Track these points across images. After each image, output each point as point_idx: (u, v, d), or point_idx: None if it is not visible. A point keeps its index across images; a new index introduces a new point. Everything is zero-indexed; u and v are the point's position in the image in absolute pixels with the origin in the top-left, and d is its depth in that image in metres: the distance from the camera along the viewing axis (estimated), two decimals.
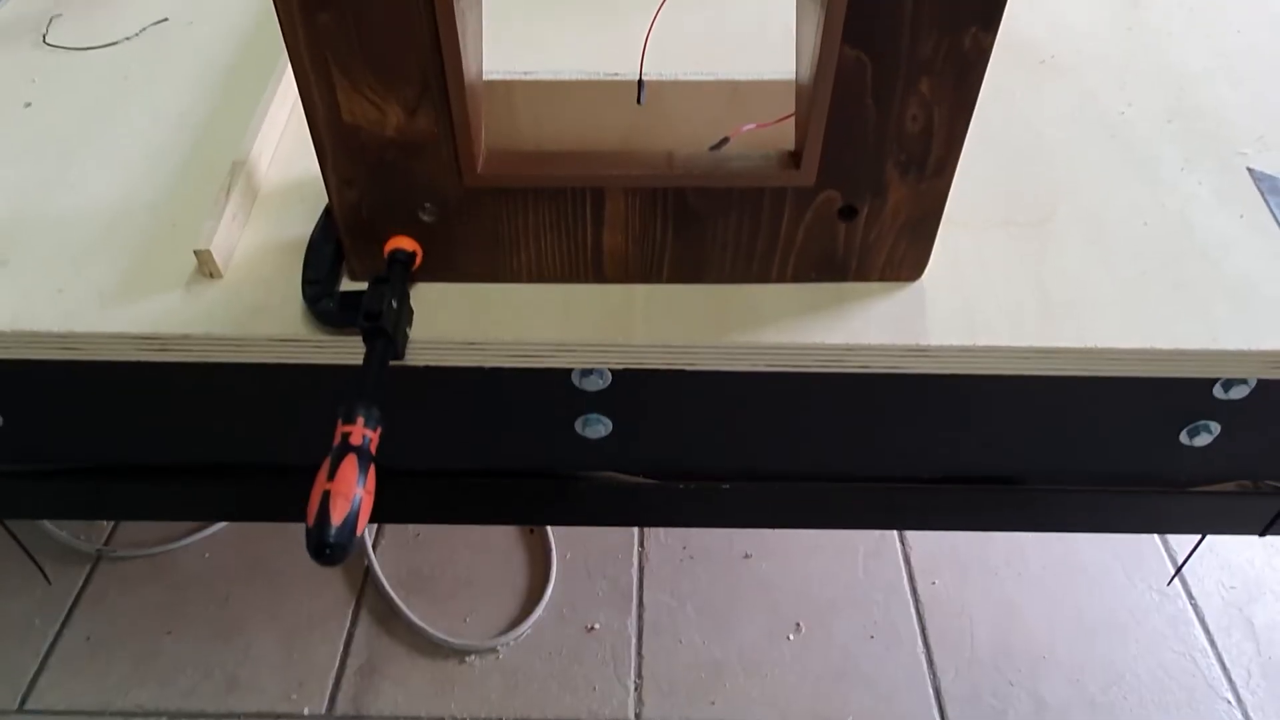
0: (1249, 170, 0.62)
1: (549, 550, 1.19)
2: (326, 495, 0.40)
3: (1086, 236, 0.57)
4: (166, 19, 0.73)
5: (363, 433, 0.43)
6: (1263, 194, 0.60)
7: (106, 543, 1.20)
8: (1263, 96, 0.68)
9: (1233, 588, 1.19)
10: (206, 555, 1.19)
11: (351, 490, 0.40)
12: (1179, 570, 1.19)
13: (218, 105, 0.65)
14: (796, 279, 0.53)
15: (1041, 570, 1.19)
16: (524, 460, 0.63)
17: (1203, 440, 0.59)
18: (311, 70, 0.43)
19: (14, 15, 0.73)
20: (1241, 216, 0.58)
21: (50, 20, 0.73)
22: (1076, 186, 0.60)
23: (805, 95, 0.46)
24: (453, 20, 0.41)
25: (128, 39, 0.71)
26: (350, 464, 0.41)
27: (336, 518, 0.39)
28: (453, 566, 1.19)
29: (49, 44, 0.70)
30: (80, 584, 1.16)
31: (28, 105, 0.65)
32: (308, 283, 0.50)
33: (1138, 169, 0.62)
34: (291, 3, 0.41)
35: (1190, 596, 1.18)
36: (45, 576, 1.13)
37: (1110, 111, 0.67)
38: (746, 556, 1.20)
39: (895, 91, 0.44)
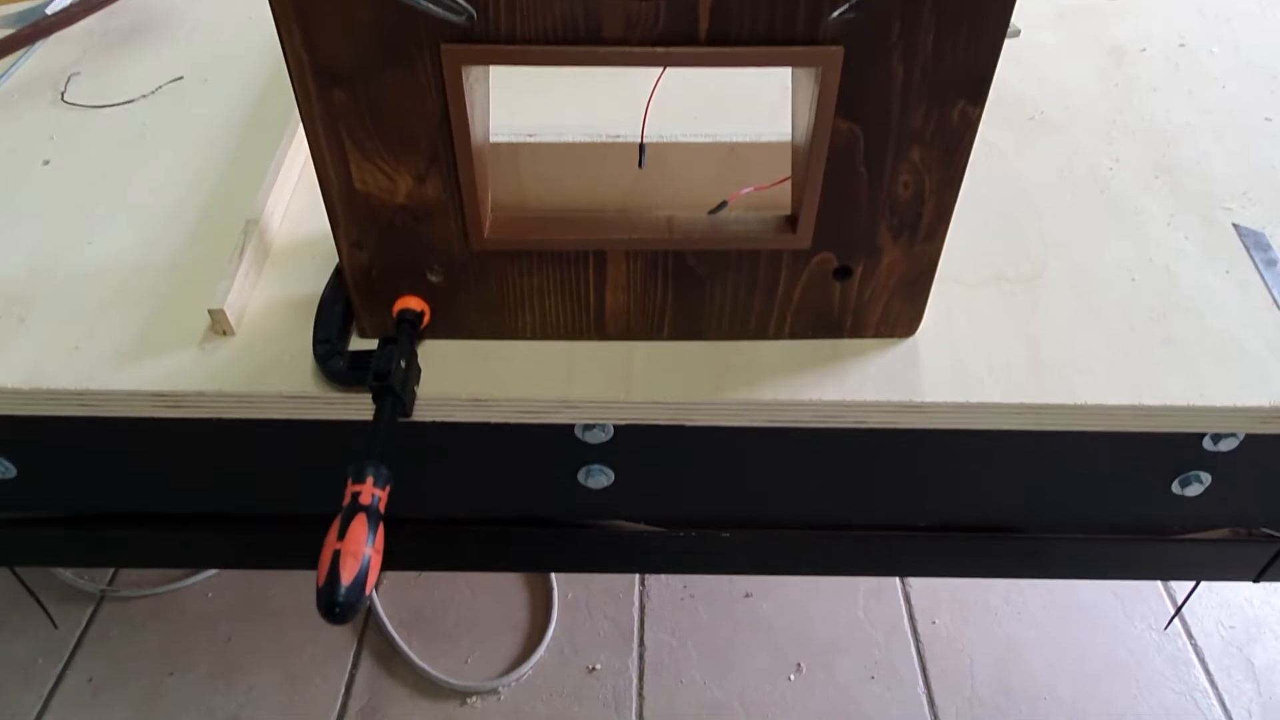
0: (1234, 226, 0.64)
1: (550, 590, 1.20)
2: (336, 555, 0.41)
3: (1075, 292, 0.58)
4: (181, 77, 0.75)
5: (372, 492, 0.44)
6: (1248, 249, 0.62)
7: (110, 583, 1.21)
8: (1245, 152, 0.70)
9: (1232, 627, 1.19)
10: (209, 595, 1.20)
11: (361, 549, 0.41)
12: (1178, 612, 1.20)
13: (232, 162, 0.67)
14: (794, 336, 0.54)
15: (1041, 610, 1.20)
16: (528, 509, 0.64)
17: (1194, 490, 0.60)
18: (325, 142, 0.45)
19: (34, 73, 0.76)
20: (1227, 272, 0.60)
21: (69, 78, 0.75)
22: (1065, 242, 0.62)
23: (801, 161, 0.48)
24: (462, 97, 0.43)
25: (144, 96, 0.73)
26: (360, 523, 0.42)
27: (346, 577, 0.40)
28: (454, 607, 1.19)
29: (67, 101, 0.73)
30: (83, 624, 1.16)
31: (46, 163, 0.67)
32: (319, 341, 0.52)
33: (1125, 224, 0.64)
34: (308, 79, 0.43)
35: (1190, 636, 1.18)
36: (52, 621, 1.14)
37: (1098, 167, 0.69)
38: (747, 596, 1.21)
39: (887, 160, 0.46)
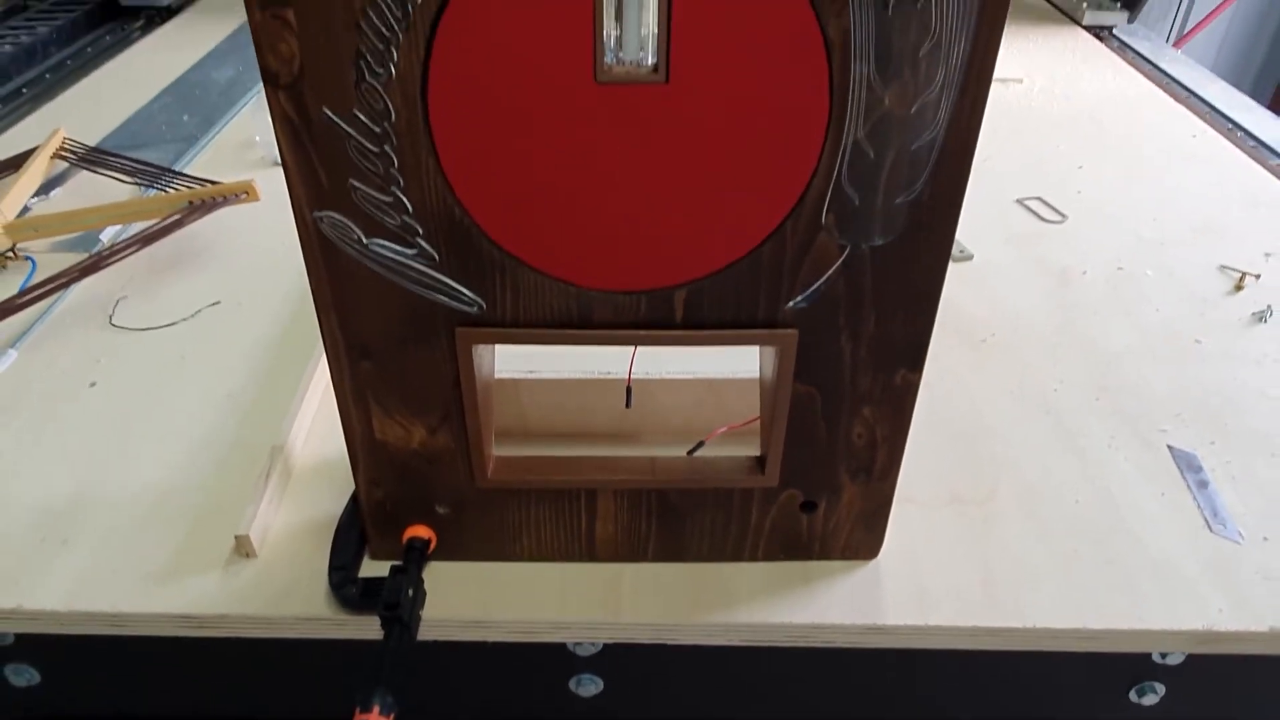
0: (1169, 447, 0.70)
1: None
2: None
3: (1025, 513, 0.64)
4: (219, 301, 0.84)
5: None
6: (1181, 471, 0.68)
7: None
8: (1179, 374, 0.77)
9: None
10: None
11: None
12: None
13: (262, 383, 0.74)
14: (767, 558, 0.60)
15: None
16: (519, 714, 0.68)
17: (1150, 699, 0.64)
18: (353, 402, 0.52)
19: (86, 296, 0.84)
20: (1163, 494, 0.66)
21: (117, 302, 0.83)
22: (1016, 463, 0.68)
23: (768, 414, 0.54)
24: (471, 368, 0.50)
25: (185, 320, 0.82)
26: None
27: None
28: None
29: (114, 325, 0.81)
30: None
31: (93, 385, 0.74)
32: (334, 568, 0.57)
33: (1069, 445, 0.70)
34: (341, 353, 0.50)
35: None
36: None
37: (1044, 389, 0.76)
38: None
39: (842, 415, 0.53)
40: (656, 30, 0.41)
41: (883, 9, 0.40)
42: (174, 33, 1.54)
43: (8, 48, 1.37)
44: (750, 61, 0.41)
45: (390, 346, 0.49)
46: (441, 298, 0.48)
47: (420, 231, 0.45)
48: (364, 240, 0.46)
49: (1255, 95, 1.41)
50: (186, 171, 1.04)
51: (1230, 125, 1.27)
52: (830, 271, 0.47)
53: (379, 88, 0.41)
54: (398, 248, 0.46)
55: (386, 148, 0.43)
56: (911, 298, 0.48)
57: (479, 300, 0.48)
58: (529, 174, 0.44)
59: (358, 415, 0.52)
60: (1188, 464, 0.68)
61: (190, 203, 0.89)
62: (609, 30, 0.41)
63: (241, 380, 0.75)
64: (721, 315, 0.49)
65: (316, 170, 0.43)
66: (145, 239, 0.85)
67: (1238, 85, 1.54)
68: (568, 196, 0.44)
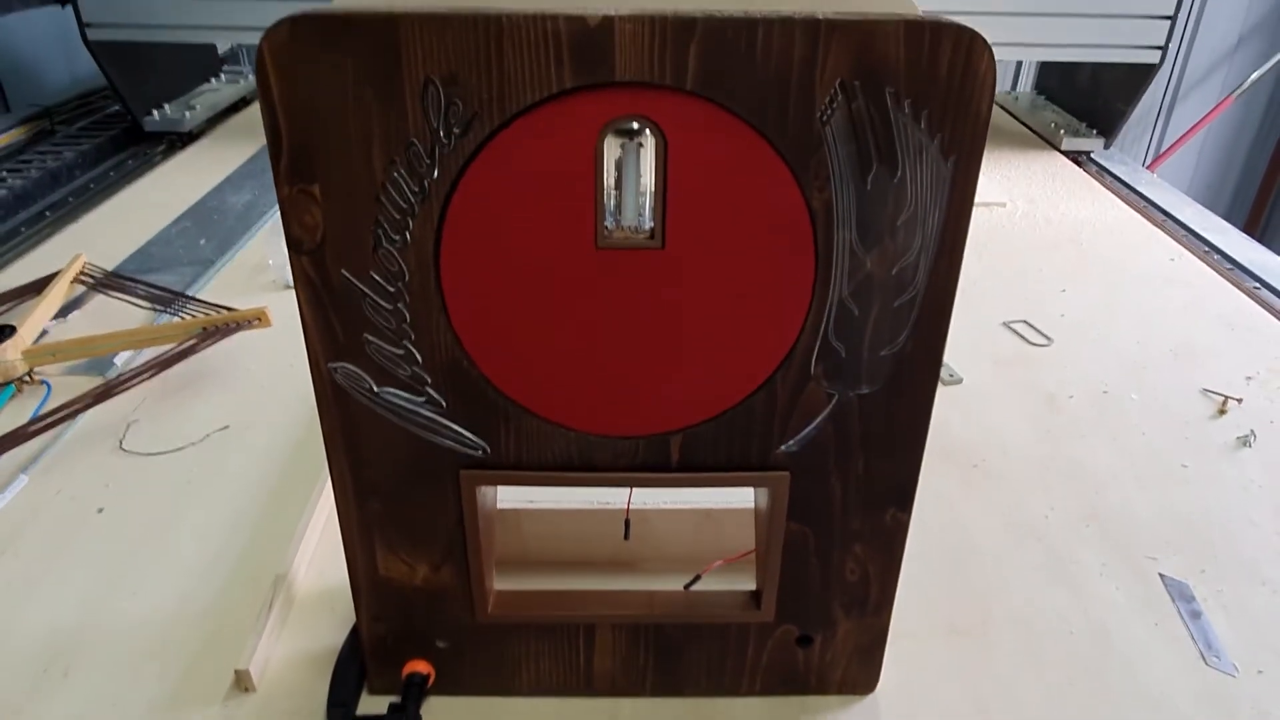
0: (1160, 576, 0.71)
1: None
2: None
3: (1018, 644, 0.65)
4: (228, 426, 0.86)
5: None
6: (1173, 600, 0.69)
7: None
8: (1166, 500, 0.79)
9: None
10: None
11: None
12: None
13: (267, 509, 0.76)
14: (764, 693, 0.60)
15: None
16: None
17: None
18: (358, 539, 0.53)
19: (97, 421, 0.86)
20: (1156, 625, 0.67)
21: (128, 426, 0.85)
22: (1009, 592, 0.69)
23: (762, 550, 0.56)
24: (475, 508, 0.52)
25: (193, 444, 0.84)
26: None
27: None
28: None
29: (124, 449, 0.82)
30: None
31: (100, 511, 0.76)
32: (334, 704, 0.57)
33: (1062, 574, 0.71)
34: (349, 494, 0.52)
35: None
36: None
37: (1035, 516, 0.77)
38: None
39: (834, 553, 0.54)
40: (653, 197, 0.44)
41: (862, 184, 0.43)
42: (195, 157, 1.61)
43: (34, 172, 1.44)
44: (740, 228, 0.44)
45: (398, 487, 0.51)
46: (448, 442, 0.50)
47: (429, 381, 0.48)
48: (375, 389, 0.48)
49: (1231, 215, 1.48)
50: (201, 295, 1.08)
51: (1207, 248, 1.32)
52: (819, 418, 0.49)
53: (395, 252, 0.44)
54: (407, 396, 0.48)
55: (400, 305, 0.46)
56: (897, 442, 0.50)
57: (483, 444, 0.50)
58: (533, 329, 0.46)
59: (363, 552, 0.54)
60: (1180, 593, 0.69)
61: (204, 329, 0.92)
62: (609, 197, 0.44)
63: (247, 505, 0.76)
64: (716, 458, 0.51)
65: (333, 326, 0.46)
66: (158, 365, 0.88)
67: (1212, 206, 1.61)
68: (570, 350, 0.47)
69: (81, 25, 1.51)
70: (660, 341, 0.47)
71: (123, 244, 1.24)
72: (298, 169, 0.42)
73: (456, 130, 0.42)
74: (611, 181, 0.44)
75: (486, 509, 0.55)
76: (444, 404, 0.49)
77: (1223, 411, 0.91)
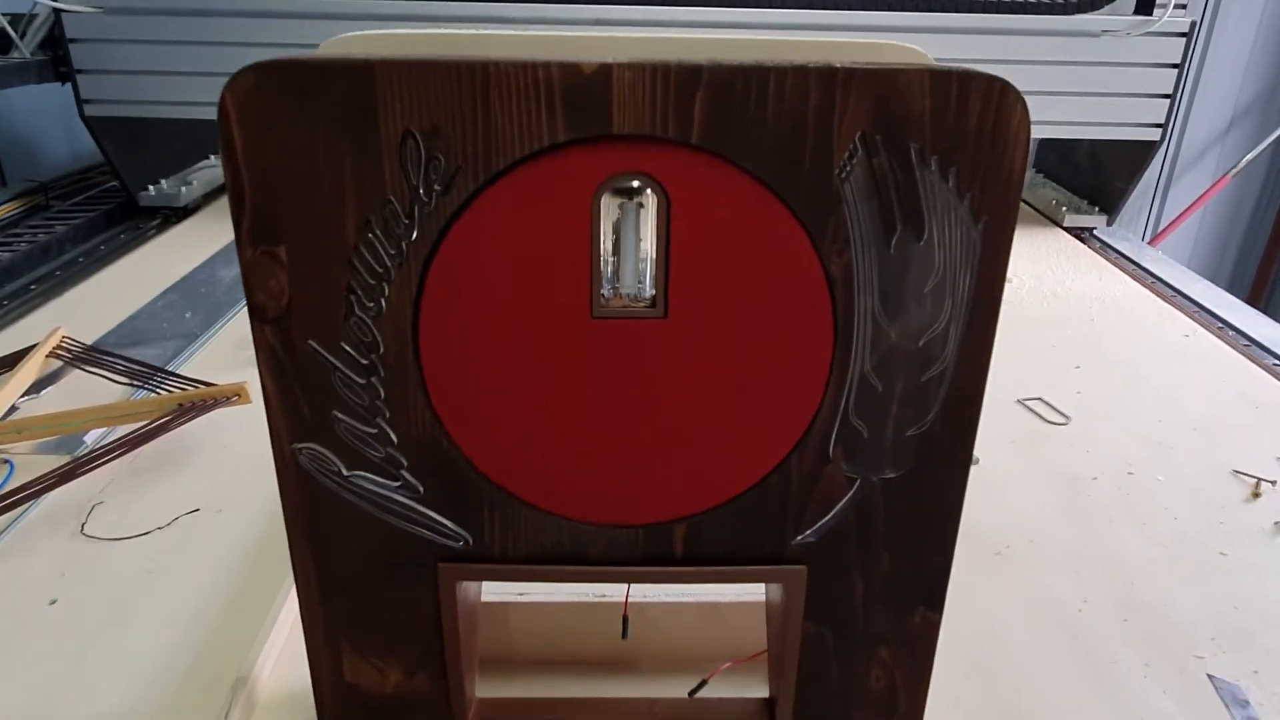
0: (1209, 677, 0.65)
1: None
2: None
3: None
4: (198, 509, 0.80)
5: None
6: (1226, 705, 0.62)
7: None
8: (1207, 591, 0.73)
9: None
10: None
11: None
12: None
13: (233, 601, 0.70)
14: None
15: None
16: None
17: None
18: (323, 640, 0.48)
19: (61, 502, 0.81)
20: None
21: (92, 508, 0.80)
22: (1044, 697, 0.63)
23: (776, 652, 0.50)
24: (454, 606, 0.46)
25: (160, 528, 0.78)
26: None
27: None
28: None
29: (85, 534, 0.77)
30: None
31: (53, 602, 0.70)
32: None
33: (1101, 676, 0.65)
34: (313, 587, 0.46)
35: None
36: None
37: (1067, 608, 0.71)
38: None
39: (856, 657, 0.49)
40: (654, 262, 0.40)
41: (885, 247, 0.39)
42: (188, 232, 1.59)
43: (23, 246, 1.41)
44: (751, 296, 0.40)
45: (367, 582, 0.46)
46: (425, 532, 0.45)
47: (405, 464, 0.43)
48: (345, 472, 0.43)
49: (1232, 292, 1.45)
50: (183, 369, 1.04)
51: (1220, 324, 1.29)
52: (840, 506, 0.45)
53: (369, 322, 0.40)
54: (380, 480, 0.43)
55: (373, 380, 0.41)
56: (927, 532, 0.45)
57: (465, 534, 0.45)
58: (521, 406, 0.42)
59: (328, 656, 0.48)
60: (1233, 697, 0.63)
61: (180, 405, 0.88)
62: (605, 262, 0.40)
63: (211, 598, 0.70)
64: (724, 550, 0.46)
65: (299, 402, 0.42)
66: (129, 443, 0.83)
67: (1214, 280, 1.59)
68: (562, 430, 0.42)
69: (79, 101, 1.50)
70: (662, 420, 0.42)
71: (106, 317, 1.21)
72: (262, 230, 0.38)
73: (438, 187, 0.38)
74: (609, 245, 0.40)
75: (468, 606, 0.49)
76: (421, 490, 0.44)
77: (1256, 494, 0.86)
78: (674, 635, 0.61)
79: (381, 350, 0.41)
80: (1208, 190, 2.40)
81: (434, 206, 0.38)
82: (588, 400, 0.42)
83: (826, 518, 0.45)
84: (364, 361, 0.41)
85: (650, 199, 0.39)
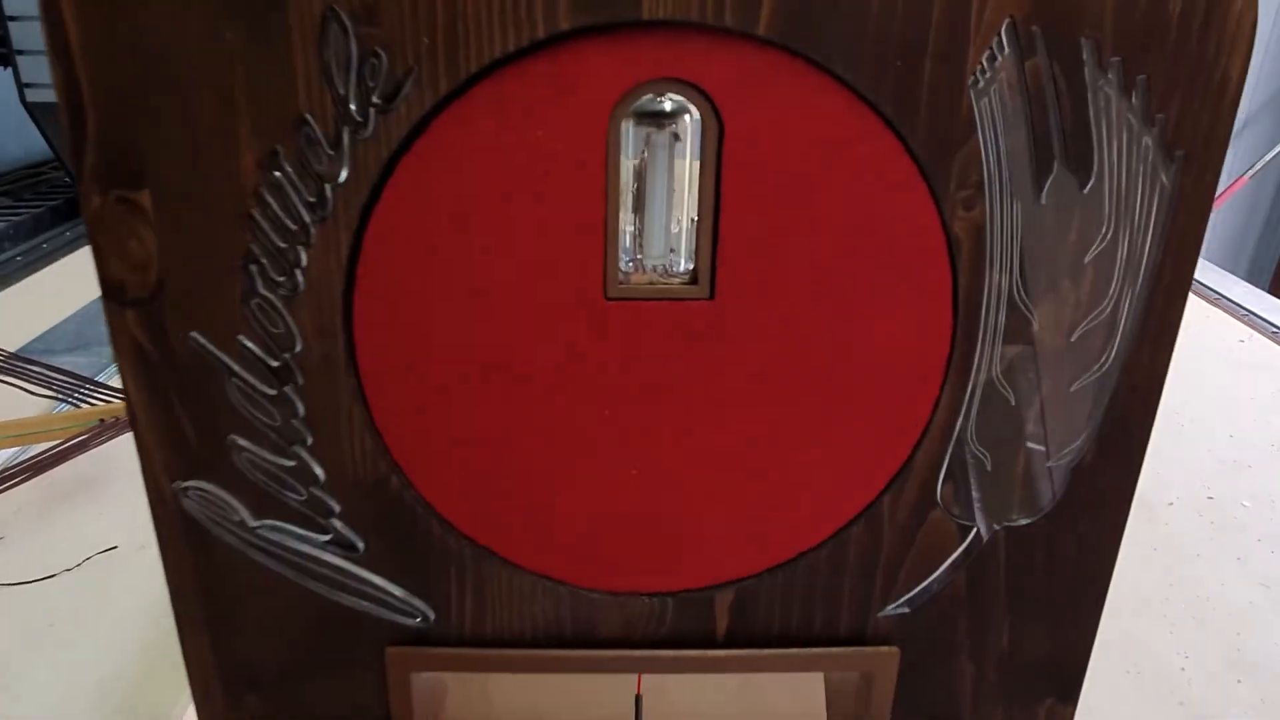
0: None
1: None
2: None
3: None
4: (116, 546, 0.67)
5: None
6: None
7: None
8: None
9: None
10: None
11: None
12: None
13: (148, 663, 0.57)
14: None
15: None
16: None
17: None
18: None
19: None
20: None
21: None
22: None
23: None
24: (409, 706, 0.33)
25: (67, 570, 0.65)
26: None
27: None
28: None
29: None
30: None
31: None
32: None
33: None
34: (211, 684, 0.33)
35: None
36: None
37: (1169, 667, 0.59)
38: None
39: None
40: (697, 222, 0.28)
41: (1033, 195, 0.27)
42: None
43: None
44: (835, 269, 0.28)
45: (287, 676, 0.33)
46: (367, 604, 0.32)
47: (337, 510, 0.30)
48: (250, 523, 0.30)
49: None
50: (116, 379, 0.90)
51: (1274, 329, 1.18)
52: (947, 564, 0.32)
53: (278, 304, 0.27)
54: (302, 533, 0.31)
55: (288, 390, 0.28)
56: (1065, 598, 0.33)
57: (423, 608, 0.32)
58: (502, 428, 0.29)
59: None
60: None
61: (102, 420, 0.74)
62: (626, 219, 0.28)
63: (122, 659, 0.57)
64: (785, 627, 0.33)
65: (180, 422, 0.29)
66: (36, 466, 0.70)
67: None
68: (559, 460, 0.30)
69: (20, 85, 1.37)
70: (701, 447, 0.30)
71: (37, 321, 1.07)
72: (114, 167, 0.26)
73: (378, 101, 0.25)
74: (631, 195, 0.28)
75: (426, 700, 0.36)
76: (361, 546, 0.31)
77: None
78: (698, 715, 0.48)
79: (298, 347, 0.28)
80: (1225, 191, 2.31)
81: (373, 131, 0.25)
82: (598, 418, 0.29)
83: (928, 581, 0.32)
84: (274, 363, 0.28)
85: (691, 125, 0.27)
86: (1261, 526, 0.74)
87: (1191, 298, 1.25)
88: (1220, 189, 2.23)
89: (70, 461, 0.72)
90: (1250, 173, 2.42)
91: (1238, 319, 1.19)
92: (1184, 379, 1.00)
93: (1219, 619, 0.63)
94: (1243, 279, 2.82)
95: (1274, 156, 2.39)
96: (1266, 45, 2.42)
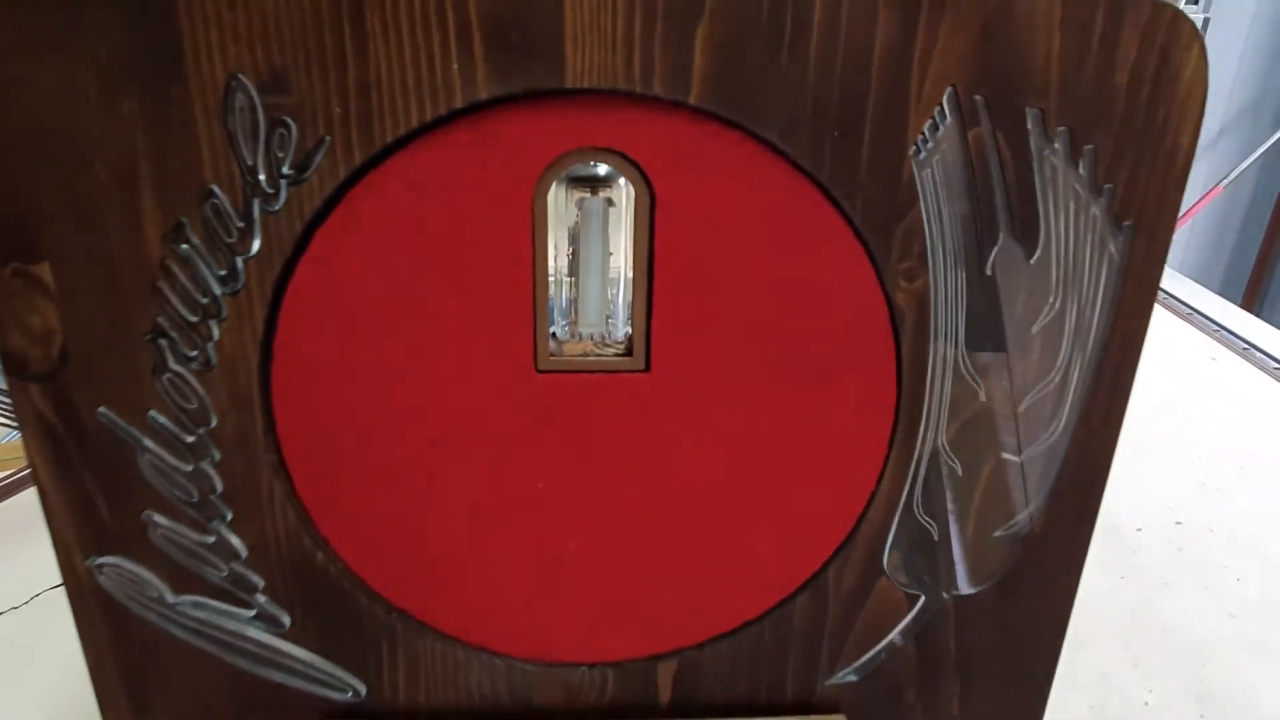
0: None
1: None
2: None
3: None
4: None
5: None
6: None
7: None
8: None
9: None
10: None
11: None
12: None
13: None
14: None
15: None
16: None
17: None
18: None
19: None
20: None
21: None
22: None
23: None
24: None
25: (15, 609, 0.63)
26: None
27: None
28: None
29: None
30: None
31: None
32: None
33: None
34: None
35: None
36: None
37: (1132, 700, 0.58)
38: None
39: None
40: (631, 289, 0.27)
41: (977, 268, 0.26)
42: None
43: None
44: (774, 340, 0.27)
45: None
46: (296, 680, 0.31)
47: (260, 585, 0.29)
48: (170, 599, 0.29)
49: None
50: None
51: (1245, 345, 1.18)
52: (894, 633, 0.31)
53: (190, 378, 0.26)
54: (226, 609, 0.29)
55: (204, 465, 0.27)
56: (1015, 667, 0.32)
57: (354, 683, 0.31)
58: (432, 501, 0.28)
59: None
60: None
61: None
62: (558, 288, 0.27)
63: (68, 698, 0.55)
64: (730, 695, 0.32)
65: (91, 498, 0.27)
66: None
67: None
68: (492, 530, 0.29)
69: None
70: (639, 518, 0.29)
71: None
72: (10, 238, 0.24)
73: (289, 171, 0.24)
74: (563, 263, 0.27)
75: None
76: (287, 622, 0.30)
77: None
78: None
79: (213, 421, 0.26)
80: (1199, 201, 2.32)
81: (284, 202, 0.24)
82: (532, 490, 0.28)
83: (876, 649, 0.31)
84: (188, 439, 0.27)
85: (624, 192, 0.26)
86: (1228, 554, 0.73)
87: (1163, 312, 1.25)
88: (1195, 199, 2.23)
89: (26, 493, 0.70)
90: (1225, 182, 2.43)
91: (1209, 335, 1.19)
92: (1150, 395, 1.00)
93: (1182, 650, 0.63)
94: (1215, 291, 2.83)
95: (1248, 166, 2.41)
96: (1241, 53, 2.44)
